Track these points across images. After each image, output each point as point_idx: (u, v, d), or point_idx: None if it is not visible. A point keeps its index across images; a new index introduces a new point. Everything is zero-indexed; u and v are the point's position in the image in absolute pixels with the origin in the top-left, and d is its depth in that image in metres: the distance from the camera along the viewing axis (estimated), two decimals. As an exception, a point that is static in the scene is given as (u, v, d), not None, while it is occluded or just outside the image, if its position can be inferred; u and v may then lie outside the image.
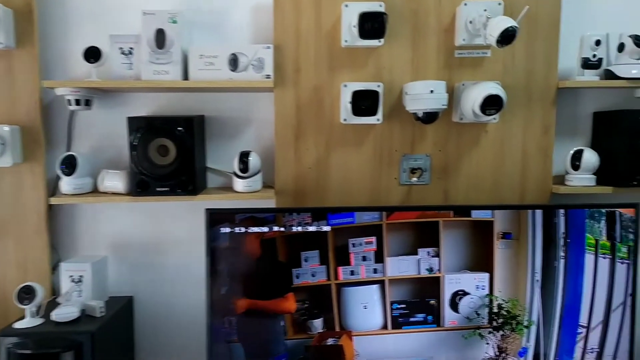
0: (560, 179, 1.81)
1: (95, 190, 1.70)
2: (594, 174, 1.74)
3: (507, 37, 1.48)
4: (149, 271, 1.84)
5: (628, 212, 1.60)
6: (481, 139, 1.77)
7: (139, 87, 1.66)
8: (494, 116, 1.64)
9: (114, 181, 1.66)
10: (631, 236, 1.61)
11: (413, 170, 1.77)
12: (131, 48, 1.65)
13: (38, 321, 1.53)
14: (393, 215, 1.57)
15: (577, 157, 1.73)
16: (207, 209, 1.53)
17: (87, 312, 1.59)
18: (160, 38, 1.60)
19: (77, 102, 1.64)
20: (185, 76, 1.65)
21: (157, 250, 1.84)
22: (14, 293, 1.54)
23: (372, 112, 1.63)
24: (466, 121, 1.72)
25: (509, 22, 1.48)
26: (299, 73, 1.72)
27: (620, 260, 1.61)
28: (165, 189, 1.61)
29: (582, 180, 1.73)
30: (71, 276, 1.63)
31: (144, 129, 1.59)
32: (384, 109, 1.70)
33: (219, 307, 1.53)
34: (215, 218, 1.53)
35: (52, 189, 1.73)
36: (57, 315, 1.51)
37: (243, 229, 1.53)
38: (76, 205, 1.79)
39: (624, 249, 1.60)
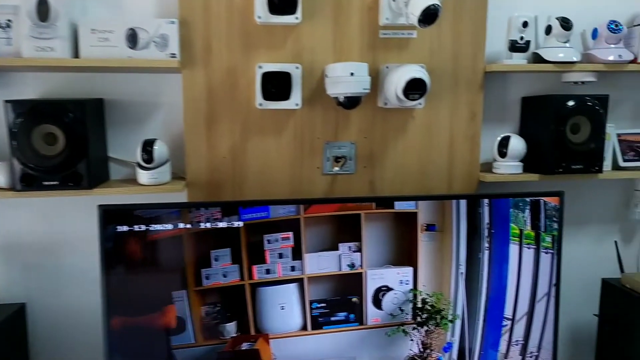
0: (488, 167, 1.75)
1: (-27, 185, 1.48)
2: (521, 161, 1.69)
3: (428, 15, 1.38)
4: (44, 275, 1.64)
5: (552, 201, 1.56)
6: (408, 125, 1.68)
7: (19, 66, 1.45)
8: (418, 101, 1.54)
9: (-6, 174, 1.45)
10: (555, 225, 1.57)
11: (337, 159, 1.66)
12: (9, 20, 1.42)
13: None
14: (311, 209, 1.45)
15: (504, 144, 1.67)
16: (100, 206, 1.35)
17: (-38, 326, 1.39)
18: (42, 9, 1.38)
19: (-54, 83, 1.41)
20: (76, 54, 1.45)
21: (52, 251, 1.64)
22: None
23: (285, 96, 1.49)
24: (391, 106, 1.61)
25: (430, 1, 1.37)
26: (210, 52, 1.55)
27: (544, 250, 1.57)
28: (54, 182, 1.42)
29: (508, 167, 1.68)
30: (-57, 285, 1.42)
31: (26, 114, 1.38)
32: (304, 93, 1.57)
33: (114, 315, 1.37)
34: (110, 215, 1.36)
35: None
36: None
37: (143, 227, 1.37)
38: (-48, 202, 1.57)
39: (548, 239, 1.57)
